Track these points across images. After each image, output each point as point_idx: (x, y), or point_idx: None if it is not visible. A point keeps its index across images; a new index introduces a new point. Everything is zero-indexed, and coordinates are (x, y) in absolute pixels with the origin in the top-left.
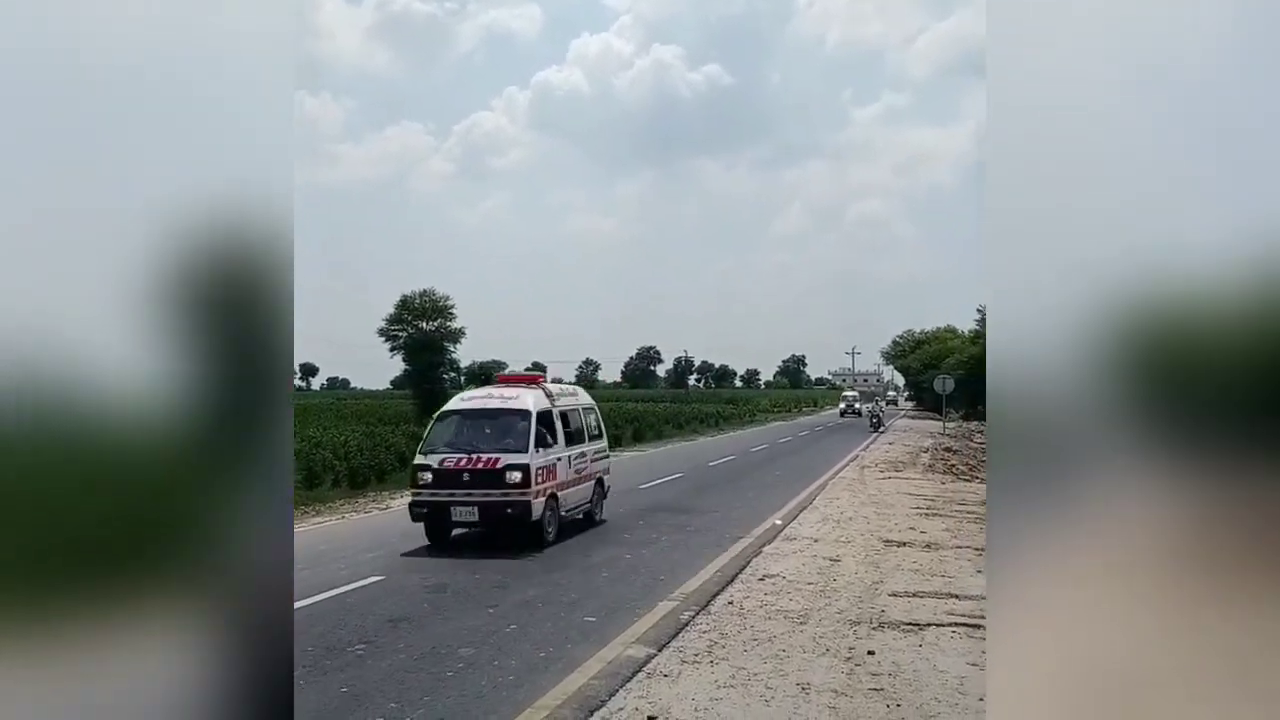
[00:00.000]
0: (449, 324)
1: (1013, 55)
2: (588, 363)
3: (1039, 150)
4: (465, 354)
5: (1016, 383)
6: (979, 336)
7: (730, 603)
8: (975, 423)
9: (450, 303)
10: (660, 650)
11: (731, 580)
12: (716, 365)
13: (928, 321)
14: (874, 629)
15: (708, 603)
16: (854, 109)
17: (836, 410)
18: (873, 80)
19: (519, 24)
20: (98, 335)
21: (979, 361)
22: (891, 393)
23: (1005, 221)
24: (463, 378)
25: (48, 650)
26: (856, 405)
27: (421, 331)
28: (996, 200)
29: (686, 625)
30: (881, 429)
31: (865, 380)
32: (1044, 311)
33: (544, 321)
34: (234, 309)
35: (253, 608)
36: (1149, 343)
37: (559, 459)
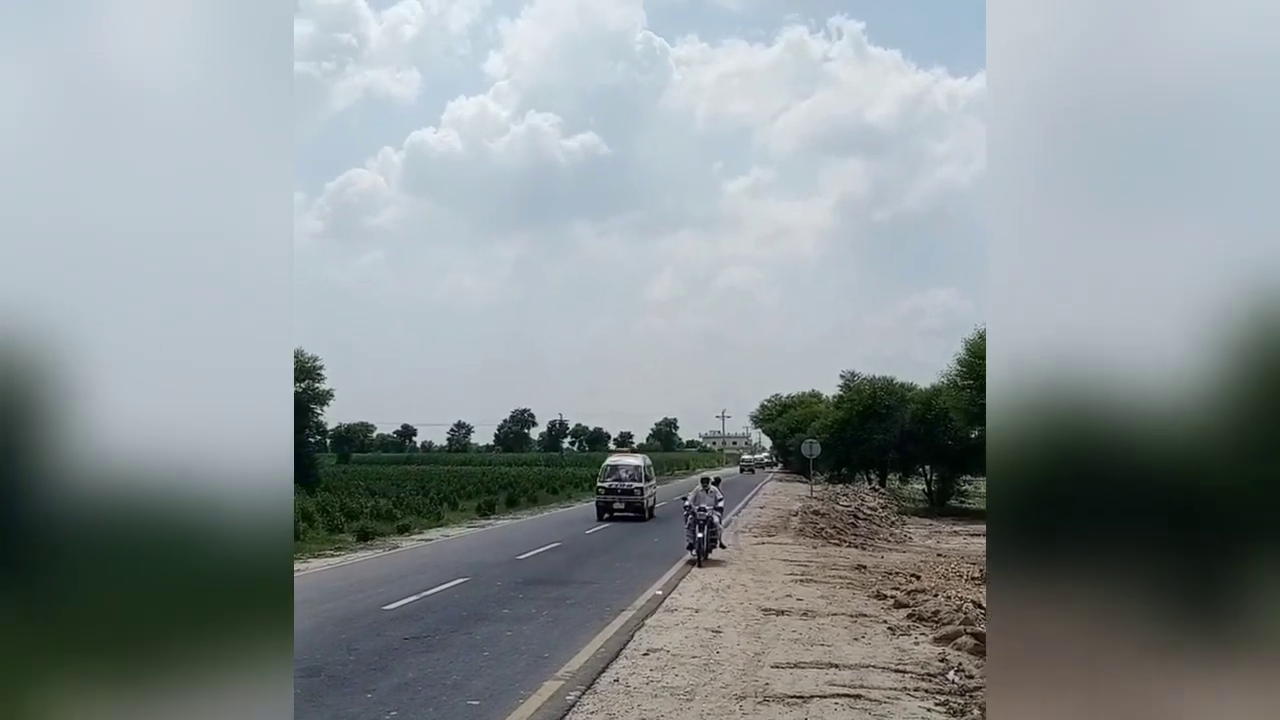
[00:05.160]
0: (316, 385)
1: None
2: (460, 425)
3: (1042, 180)
4: (332, 416)
5: (1017, 402)
6: (842, 401)
7: (616, 680)
8: (840, 485)
9: (319, 364)
10: None
11: (616, 656)
12: (590, 428)
13: (792, 386)
14: (759, 703)
15: (593, 681)
16: (725, 181)
17: (719, 472)
18: (742, 154)
19: (397, 87)
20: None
21: (842, 425)
22: (762, 454)
23: (1009, 248)
24: (329, 440)
25: None
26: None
27: None
28: (1000, 223)
29: (573, 706)
30: (713, 544)
31: (748, 444)
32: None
33: (415, 383)
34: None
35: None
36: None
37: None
